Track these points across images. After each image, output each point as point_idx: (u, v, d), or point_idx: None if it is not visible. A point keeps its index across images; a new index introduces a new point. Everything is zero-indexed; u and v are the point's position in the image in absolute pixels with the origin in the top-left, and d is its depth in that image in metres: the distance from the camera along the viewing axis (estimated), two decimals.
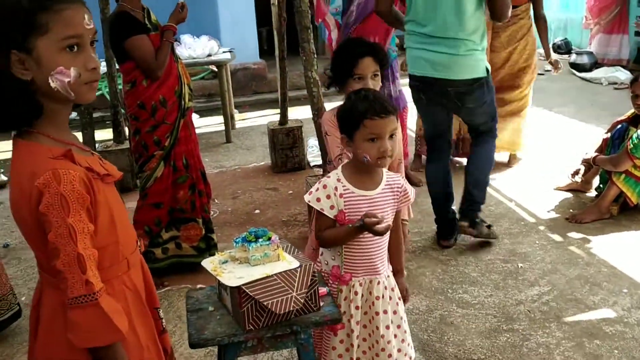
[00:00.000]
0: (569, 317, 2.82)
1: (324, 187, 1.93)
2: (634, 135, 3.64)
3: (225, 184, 4.86)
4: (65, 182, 1.21)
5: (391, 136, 1.86)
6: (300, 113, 6.17)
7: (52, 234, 1.21)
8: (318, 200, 1.93)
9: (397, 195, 1.97)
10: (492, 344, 2.64)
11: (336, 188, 1.91)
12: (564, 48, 9.60)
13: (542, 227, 3.79)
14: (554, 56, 4.88)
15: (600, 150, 4.08)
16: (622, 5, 8.36)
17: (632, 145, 3.61)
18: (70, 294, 1.21)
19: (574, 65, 8.52)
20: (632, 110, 3.93)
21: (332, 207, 1.91)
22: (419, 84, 3.31)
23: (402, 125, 3.34)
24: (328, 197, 1.91)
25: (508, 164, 4.90)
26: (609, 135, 4.06)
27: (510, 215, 3.99)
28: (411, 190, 2.01)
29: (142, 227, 3.23)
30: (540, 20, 4.53)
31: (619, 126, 3.99)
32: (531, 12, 4.57)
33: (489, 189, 4.40)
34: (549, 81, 8.24)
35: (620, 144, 3.81)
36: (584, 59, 8.44)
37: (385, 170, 1.98)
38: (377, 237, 1.90)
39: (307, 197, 1.96)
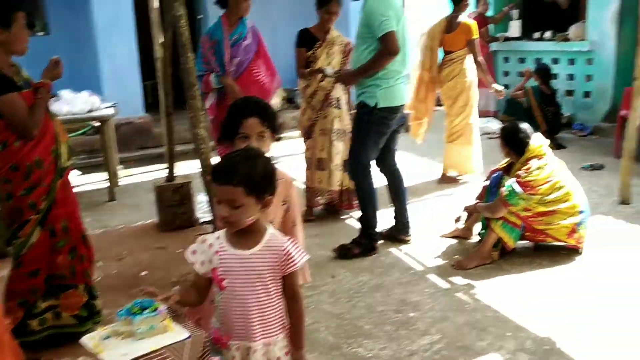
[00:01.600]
0: None
1: (202, 241, 1.92)
2: (507, 184, 3.88)
3: (110, 245, 4.61)
4: None
5: (237, 207, 1.80)
6: (189, 167, 6.05)
7: None
8: (193, 252, 1.91)
9: (278, 259, 1.88)
10: None
11: (211, 245, 1.88)
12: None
13: (430, 275, 3.90)
14: (495, 86, 6.05)
15: (480, 197, 4.31)
16: (489, 62, 9.02)
17: (506, 193, 3.84)
18: None
19: None
20: (507, 159, 4.20)
21: (203, 263, 1.87)
22: (394, 114, 4.05)
23: None
24: (203, 252, 1.89)
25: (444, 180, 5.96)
26: (487, 183, 4.30)
27: (399, 264, 4.09)
28: (300, 255, 1.91)
29: (15, 299, 2.97)
30: (477, 65, 5.81)
31: (495, 175, 4.24)
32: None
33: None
34: (432, 133, 8.68)
35: (497, 192, 4.04)
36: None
37: (271, 231, 1.94)
38: (239, 299, 1.85)
39: (187, 251, 1.91)
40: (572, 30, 8.02)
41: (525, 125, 4.06)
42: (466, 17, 5.98)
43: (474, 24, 5.85)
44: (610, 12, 7.50)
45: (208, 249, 1.88)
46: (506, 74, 9.27)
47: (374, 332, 3.22)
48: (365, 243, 4.22)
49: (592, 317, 3.25)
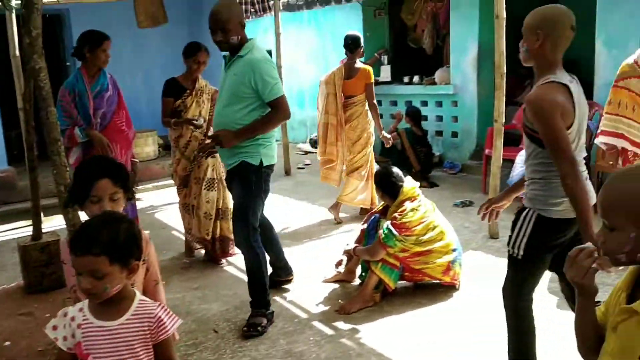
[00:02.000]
0: None
1: (64, 315, 1.77)
2: (384, 226, 3.98)
3: None
4: None
5: (100, 277, 1.69)
6: (58, 222, 5.68)
7: None
8: (54, 328, 1.76)
9: (148, 327, 1.77)
10: None
11: (73, 318, 1.75)
12: None
13: (314, 322, 3.88)
14: (384, 133, 6.26)
15: (359, 241, 4.38)
16: None
17: (383, 235, 3.94)
18: None
19: None
20: (383, 202, 4.31)
21: (65, 339, 1.73)
22: (272, 172, 4.00)
23: None
24: (64, 326, 1.74)
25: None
26: (365, 226, 4.38)
27: (284, 314, 4.03)
28: (171, 321, 1.81)
29: None
30: (372, 107, 6.07)
31: (373, 217, 4.34)
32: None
33: None
34: (309, 174, 8.81)
35: (375, 235, 4.13)
36: None
37: (140, 297, 1.83)
38: None
39: (46, 327, 1.76)
40: (438, 75, 8.52)
41: (396, 170, 4.21)
42: (362, 63, 6.26)
43: (370, 69, 6.16)
44: (470, 58, 8.07)
45: (70, 323, 1.74)
46: (381, 116, 9.63)
47: None
48: (267, 313, 3.86)
49: (469, 354, 3.36)
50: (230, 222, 4.44)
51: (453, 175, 8.18)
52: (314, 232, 5.87)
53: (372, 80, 6.12)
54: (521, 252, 2.56)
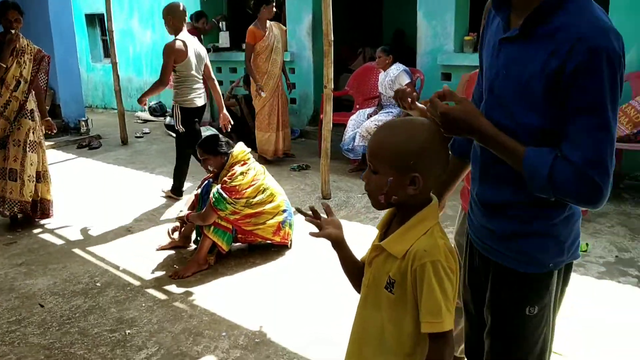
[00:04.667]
0: None
1: None
2: (214, 191, 4.04)
3: None
4: None
5: None
6: None
7: None
8: None
9: None
10: None
11: None
12: (159, 111, 10.15)
13: (148, 289, 3.88)
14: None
15: (193, 206, 4.41)
16: None
17: (214, 199, 4.00)
18: None
19: (169, 127, 9.05)
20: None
21: None
22: None
23: None
24: None
25: None
26: (199, 191, 4.42)
27: (116, 283, 3.98)
28: None
29: None
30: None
31: (206, 182, 4.38)
32: None
33: (90, 258, 4.37)
34: (148, 143, 8.60)
35: (208, 199, 4.18)
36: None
37: None
38: None
39: None
40: None
41: (220, 136, 4.27)
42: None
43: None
44: (305, 26, 8.27)
45: None
46: (220, 83, 9.57)
47: (88, 356, 3.09)
48: None
49: (300, 308, 3.56)
50: (49, 185, 4.90)
51: (293, 140, 8.40)
52: (150, 201, 5.78)
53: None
54: None
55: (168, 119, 9.24)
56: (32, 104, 4.86)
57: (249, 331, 3.30)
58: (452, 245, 1.54)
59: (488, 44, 1.67)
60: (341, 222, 1.78)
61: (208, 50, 9.25)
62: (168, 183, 6.06)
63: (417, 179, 1.46)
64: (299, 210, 1.80)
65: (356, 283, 1.71)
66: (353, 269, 1.71)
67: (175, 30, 5.43)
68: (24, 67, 4.74)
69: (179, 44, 5.34)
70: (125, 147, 8.41)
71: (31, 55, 4.81)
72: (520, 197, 1.56)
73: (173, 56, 5.28)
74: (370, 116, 6.43)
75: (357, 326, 1.65)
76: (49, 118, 5.16)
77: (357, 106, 7.22)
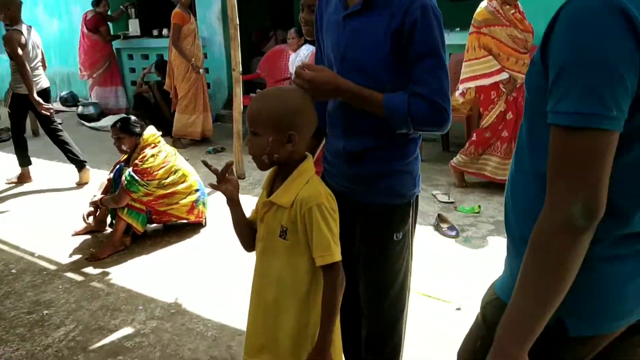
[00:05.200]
0: (94, 345, 3.08)
1: None
2: (127, 174, 4.16)
3: None
4: None
5: None
6: None
7: None
8: None
9: None
10: None
11: None
12: (72, 100, 9.98)
13: (64, 273, 3.97)
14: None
15: (106, 190, 4.51)
16: (112, 60, 9.20)
17: (126, 182, 4.13)
18: None
19: (82, 117, 8.96)
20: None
21: None
22: None
23: None
24: None
25: None
26: (111, 176, 4.51)
27: (32, 269, 4.05)
28: None
29: None
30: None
31: (117, 167, 4.48)
32: None
33: (8, 248, 4.41)
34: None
35: (120, 183, 4.29)
36: (90, 110, 8.96)
37: None
38: None
39: None
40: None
41: (134, 118, 4.38)
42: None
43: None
44: (215, 11, 8.36)
45: None
46: (132, 70, 9.57)
47: (5, 337, 3.19)
48: None
49: (212, 277, 3.77)
50: None
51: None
52: (63, 189, 5.79)
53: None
54: None
55: (80, 108, 9.14)
56: None
57: (165, 303, 3.48)
58: (330, 191, 1.80)
59: (328, 24, 1.96)
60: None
61: (118, 38, 9.22)
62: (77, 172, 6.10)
63: (294, 136, 1.70)
64: (204, 163, 2.00)
65: (245, 241, 1.94)
66: (244, 227, 1.93)
67: (12, 20, 5.68)
68: None
69: (17, 34, 5.60)
70: (36, 139, 8.23)
71: None
72: (382, 142, 1.91)
73: (16, 44, 5.54)
74: None
75: (257, 277, 1.88)
76: None
77: None
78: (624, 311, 1.19)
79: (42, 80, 5.95)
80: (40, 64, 5.95)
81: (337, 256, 1.69)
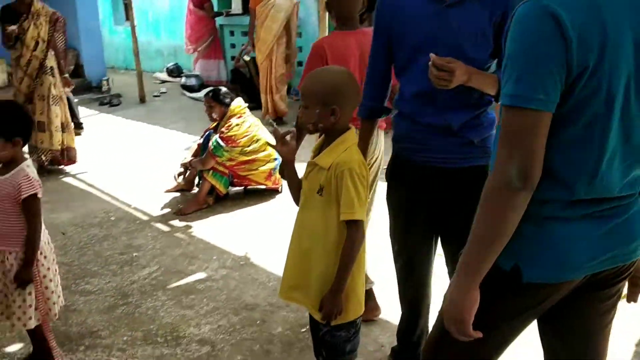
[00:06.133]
0: (171, 285, 3.55)
1: None
2: (213, 139, 4.61)
3: None
4: None
5: None
6: None
7: None
8: None
9: (13, 187, 2.45)
10: (110, 317, 3.20)
11: None
12: (176, 72, 10.71)
13: (154, 223, 4.50)
14: None
15: (196, 154, 4.99)
16: (215, 35, 9.77)
17: (212, 147, 4.58)
18: None
19: (185, 87, 9.62)
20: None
21: None
22: None
23: None
24: None
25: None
26: (200, 141, 4.99)
27: (128, 217, 4.61)
28: (28, 187, 2.46)
29: None
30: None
31: (207, 133, 4.95)
32: None
33: (107, 198, 5.00)
34: (164, 102, 9.19)
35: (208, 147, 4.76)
36: (193, 81, 9.60)
37: (22, 166, 2.50)
38: None
39: None
40: None
41: (225, 90, 4.82)
42: None
43: None
44: None
45: None
46: (233, 46, 10.11)
47: (101, 272, 3.73)
48: None
49: (282, 235, 4.14)
50: (73, 134, 5.61)
51: (297, 101, 8.92)
52: (160, 151, 6.38)
53: None
54: None
55: (184, 79, 9.81)
56: (52, 62, 5.42)
57: (236, 256, 3.90)
58: (364, 160, 2.08)
59: (413, 15, 2.13)
60: None
61: (221, 14, 9.78)
62: (179, 138, 6.67)
63: (336, 110, 2.00)
64: (270, 124, 2.36)
65: (295, 196, 2.26)
66: (295, 184, 2.25)
67: None
68: (41, 29, 5.29)
69: None
70: (143, 105, 9.00)
71: (47, 17, 5.34)
72: (480, 111, 2.19)
73: None
74: None
75: (296, 226, 2.21)
76: (66, 75, 5.72)
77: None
78: (572, 265, 1.41)
79: None
80: None
81: (359, 215, 1.98)
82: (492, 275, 1.41)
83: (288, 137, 2.15)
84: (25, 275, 2.51)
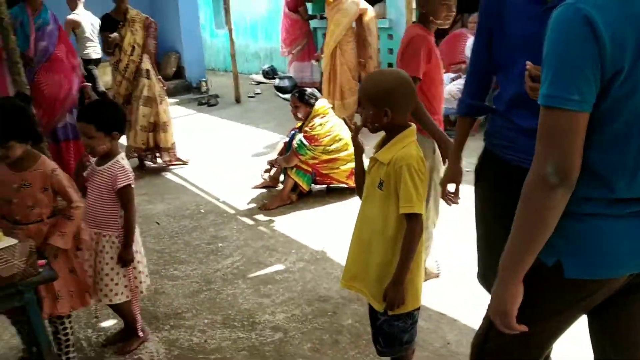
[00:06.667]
0: (252, 274, 3.76)
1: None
2: (297, 138, 4.80)
3: None
4: None
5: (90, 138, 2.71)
6: None
7: None
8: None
9: (110, 177, 2.74)
10: (194, 301, 3.45)
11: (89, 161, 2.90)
12: (271, 73, 11.08)
13: (240, 217, 4.75)
14: None
15: (281, 153, 5.21)
16: (309, 38, 10.02)
17: (296, 146, 4.77)
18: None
19: (278, 88, 9.95)
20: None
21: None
22: None
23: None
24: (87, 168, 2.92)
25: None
26: (286, 139, 5.21)
27: (216, 210, 4.89)
28: (123, 177, 2.74)
29: None
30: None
31: (292, 132, 5.16)
32: None
33: (198, 192, 5.32)
34: (258, 103, 9.56)
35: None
36: (286, 83, 9.91)
37: (118, 158, 2.76)
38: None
39: None
40: (376, 9, 9.15)
41: (311, 90, 5.00)
42: None
43: None
44: None
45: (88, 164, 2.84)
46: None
47: (188, 259, 4.01)
48: None
49: None
50: (167, 134, 5.88)
51: None
52: (250, 150, 6.67)
53: None
54: None
55: (277, 80, 10.14)
56: (147, 65, 5.82)
57: (314, 250, 4.06)
58: (423, 156, 2.16)
59: (516, 14, 2.06)
60: None
61: (315, 17, 10.03)
62: (269, 137, 6.93)
63: (387, 112, 2.10)
64: (353, 124, 2.50)
65: (359, 189, 2.38)
66: (360, 177, 2.37)
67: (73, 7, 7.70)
68: (137, 34, 5.70)
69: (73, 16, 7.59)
70: (238, 105, 9.42)
71: (141, 23, 5.75)
72: None
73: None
74: (454, 80, 6.87)
75: (359, 217, 2.32)
76: (160, 77, 6.05)
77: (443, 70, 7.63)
78: (614, 262, 1.44)
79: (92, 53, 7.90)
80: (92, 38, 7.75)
81: (418, 209, 2.07)
82: (536, 270, 1.46)
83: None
84: (127, 255, 2.81)
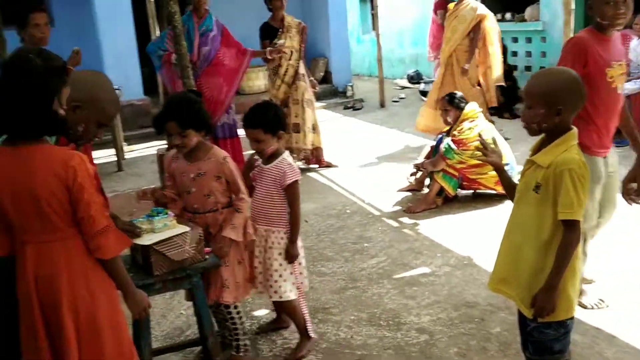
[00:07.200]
0: (396, 275, 3.79)
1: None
2: (445, 142, 4.76)
3: (121, 204, 5.49)
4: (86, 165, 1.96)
5: (259, 142, 2.85)
6: None
7: (86, 193, 1.91)
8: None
9: (278, 174, 2.87)
10: (340, 297, 3.55)
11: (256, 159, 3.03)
12: (416, 78, 11.04)
13: (385, 218, 4.80)
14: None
15: (428, 156, 5.19)
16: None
17: (444, 150, 4.73)
18: (97, 227, 1.92)
19: (423, 93, 9.88)
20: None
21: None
22: None
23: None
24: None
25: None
26: (434, 143, 5.18)
27: (361, 212, 4.98)
28: (291, 174, 2.85)
29: None
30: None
31: (439, 136, 5.12)
32: None
33: (344, 193, 5.44)
34: (402, 107, 9.58)
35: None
36: (430, 87, 9.81)
37: (284, 156, 2.90)
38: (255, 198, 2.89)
39: None
40: (528, 12, 8.85)
41: (461, 94, 4.93)
42: None
43: None
44: None
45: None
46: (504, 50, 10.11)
47: (335, 257, 4.12)
48: None
49: None
50: (320, 135, 6.07)
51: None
52: (395, 153, 6.70)
53: None
54: None
55: (423, 85, 10.09)
56: (302, 69, 6.06)
57: (460, 255, 4.00)
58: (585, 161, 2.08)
59: None
60: None
61: None
62: (414, 141, 6.92)
63: (561, 111, 2.05)
64: (480, 137, 2.48)
65: (510, 195, 2.33)
66: (509, 184, 2.34)
67: None
68: (294, 40, 5.95)
69: None
70: (382, 109, 9.51)
71: (296, 28, 5.99)
72: None
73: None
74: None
75: (511, 220, 2.27)
76: (312, 78, 6.29)
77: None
78: None
79: None
80: None
81: (577, 215, 1.98)
82: None
83: (492, 146, 2.27)
84: (293, 251, 2.93)
